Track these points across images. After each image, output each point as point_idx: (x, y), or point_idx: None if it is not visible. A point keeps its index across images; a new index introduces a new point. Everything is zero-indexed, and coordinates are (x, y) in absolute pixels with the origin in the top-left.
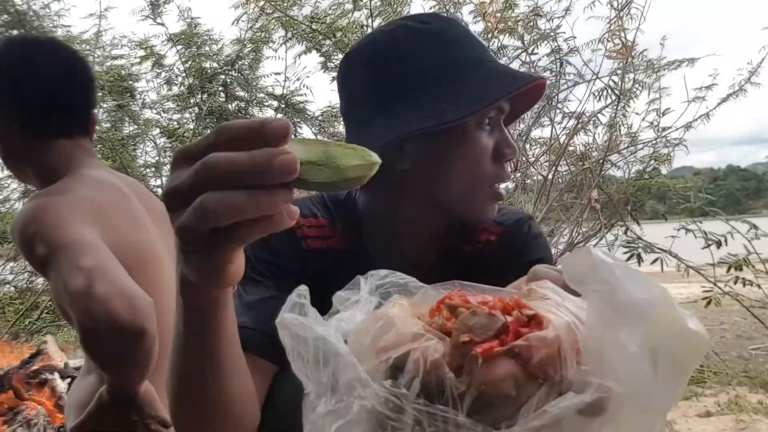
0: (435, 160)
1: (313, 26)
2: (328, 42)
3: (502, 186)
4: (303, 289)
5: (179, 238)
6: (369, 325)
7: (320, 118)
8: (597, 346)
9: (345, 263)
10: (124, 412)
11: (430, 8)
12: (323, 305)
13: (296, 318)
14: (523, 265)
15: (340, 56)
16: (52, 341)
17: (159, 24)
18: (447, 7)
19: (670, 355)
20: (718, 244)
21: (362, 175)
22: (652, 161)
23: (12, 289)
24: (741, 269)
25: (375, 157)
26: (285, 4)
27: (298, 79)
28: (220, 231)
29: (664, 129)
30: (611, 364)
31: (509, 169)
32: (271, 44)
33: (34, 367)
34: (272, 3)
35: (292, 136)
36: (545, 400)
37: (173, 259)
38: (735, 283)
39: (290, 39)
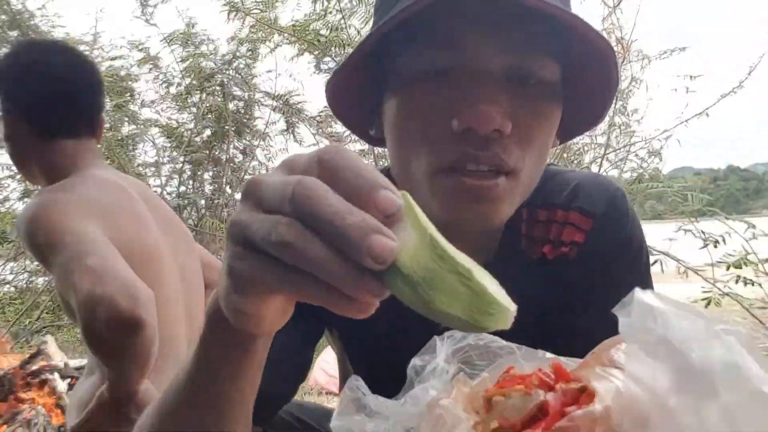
0: (386, 125)
1: (297, 34)
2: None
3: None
4: (355, 380)
5: (228, 274)
6: (421, 423)
7: (318, 118)
8: (668, 419)
9: None
10: (124, 411)
11: None
12: (362, 346)
13: (345, 424)
14: (621, 278)
15: (329, 59)
16: (52, 341)
17: (152, 25)
18: None
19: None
20: (716, 244)
21: (463, 326)
22: (648, 159)
23: (12, 289)
24: (740, 267)
25: (488, 320)
26: (270, 13)
27: (294, 80)
28: (275, 272)
29: (659, 129)
30: None
31: (485, 145)
32: (267, 42)
33: (34, 367)
34: (258, 20)
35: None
36: None
37: (176, 259)
38: (736, 282)
39: (279, 46)
